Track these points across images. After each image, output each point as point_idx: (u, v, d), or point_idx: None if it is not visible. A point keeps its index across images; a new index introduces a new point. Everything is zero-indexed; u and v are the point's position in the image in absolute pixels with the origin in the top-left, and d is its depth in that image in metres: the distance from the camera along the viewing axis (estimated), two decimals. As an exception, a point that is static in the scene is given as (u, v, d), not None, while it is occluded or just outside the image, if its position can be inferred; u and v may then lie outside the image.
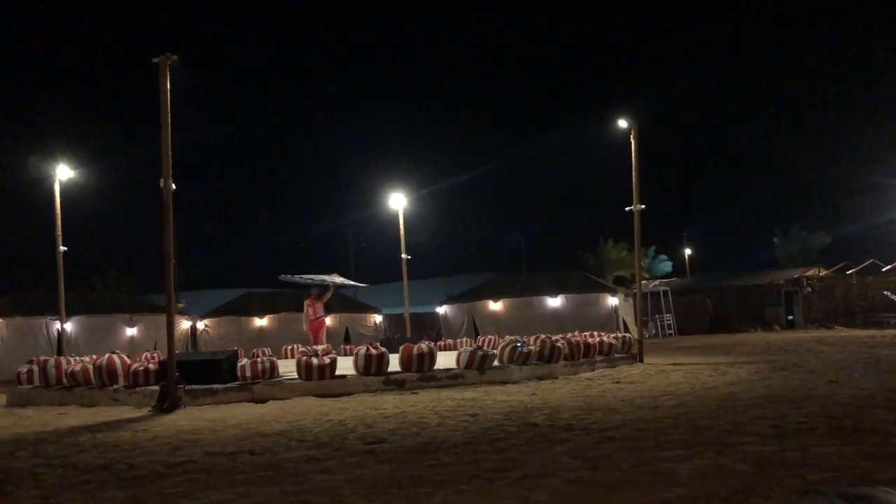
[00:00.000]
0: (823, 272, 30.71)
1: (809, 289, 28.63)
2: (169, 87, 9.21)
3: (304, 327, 15.54)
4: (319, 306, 15.60)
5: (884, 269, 28.18)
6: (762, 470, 3.93)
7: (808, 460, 4.10)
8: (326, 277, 16.81)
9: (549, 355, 10.88)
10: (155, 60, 9.20)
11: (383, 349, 10.06)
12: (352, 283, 19.62)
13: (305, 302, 15.64)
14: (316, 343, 14.56)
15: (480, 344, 13.10)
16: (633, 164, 13.84)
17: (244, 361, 9.67)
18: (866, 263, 29.61)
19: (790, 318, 28.96)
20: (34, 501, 4.06)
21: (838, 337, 19.21)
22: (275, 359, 10.15)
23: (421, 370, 9.85)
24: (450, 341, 17.70)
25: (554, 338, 11.51)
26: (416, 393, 9.10)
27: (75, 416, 8.45)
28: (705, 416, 6.05)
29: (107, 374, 9.94)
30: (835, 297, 27.76)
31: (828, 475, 3.73)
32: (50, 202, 15.62)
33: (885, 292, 26.17)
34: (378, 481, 4.12)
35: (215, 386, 9.19)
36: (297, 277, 16.68)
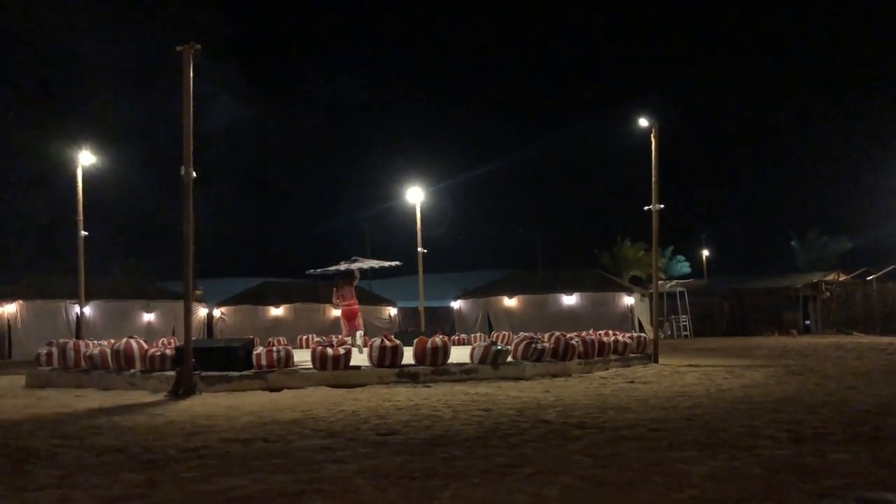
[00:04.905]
0: (843, 277, 30.37)
1: (828, 294, 28.33)
2: (192, 75, 9.27)
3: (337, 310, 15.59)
4: (349, 293, 15.28)
5: (905, 276, 27.84)
6: (776, 474, 3.91)
7: (824, 466, 4.07)
8: (352, 266, 16.69)
9: (563, 353, 10.86)
10: (178, 49, 9.26)
11: (398, 342, 10.10)
12: (375, 262, 18.25)
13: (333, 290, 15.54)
14: (351, 330, 14.30)
15: (494, 339, 13.09)
16: (653, 163, 13.75)
17: (260, 350, 9.75)
18: (887, 269, 29.27)
19: (807, 322, 28.69)
20: (52, 480, 4.12)
21: (857, 343, 19.01)
22: (290, 348, 10.22)
23: (434, 364, 9.88)
24: (464, 336, 17.71)
25: (568, 335, 11.48)
26: (429, 386, 9.13)
27: (93, 399, 8.56)
28: (720, 418, 6.02)
29: (124, 359, 10.07)
30: (854, 303, 27.42)
31: (843, 481, 3.70)
32: (72, 187, 15.81)
33: (906, 299, 25.82)
34: (390, 472, 4.14)
35: (231, 373, 9.28)
36: (320, 271, 16.64)
